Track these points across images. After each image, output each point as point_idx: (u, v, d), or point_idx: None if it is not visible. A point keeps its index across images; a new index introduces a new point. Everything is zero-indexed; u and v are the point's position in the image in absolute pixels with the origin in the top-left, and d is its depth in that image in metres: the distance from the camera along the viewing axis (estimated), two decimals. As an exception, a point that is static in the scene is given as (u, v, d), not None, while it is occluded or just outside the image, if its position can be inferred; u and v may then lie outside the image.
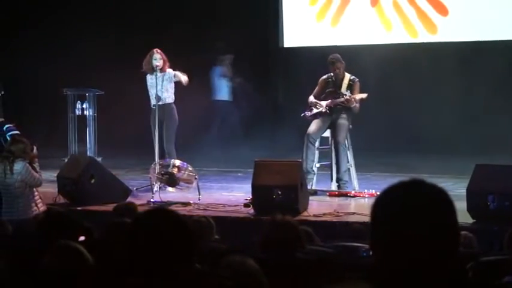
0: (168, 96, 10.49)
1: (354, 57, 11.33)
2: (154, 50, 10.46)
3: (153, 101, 10.40)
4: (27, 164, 8.10)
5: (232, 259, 3.34)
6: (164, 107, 10.40)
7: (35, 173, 8.13)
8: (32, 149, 8.30)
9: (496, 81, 12.43)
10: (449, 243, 1.96)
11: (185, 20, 14.44)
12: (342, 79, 10.01)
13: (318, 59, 11.62)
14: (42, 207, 8.15)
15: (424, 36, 13.45)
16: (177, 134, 10.50)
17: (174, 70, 10.48)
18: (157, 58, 10.38)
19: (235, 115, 14.06)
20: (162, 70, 10.40)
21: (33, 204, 8.12)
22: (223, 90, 14.09)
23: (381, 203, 2.01)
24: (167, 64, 10.46)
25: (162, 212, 2.88)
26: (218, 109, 14.13)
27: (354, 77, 10.03)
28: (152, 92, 10.37)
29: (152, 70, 10.39)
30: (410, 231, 1.93)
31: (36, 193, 8.21)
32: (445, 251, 1.95)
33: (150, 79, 10.49)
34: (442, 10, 13.33)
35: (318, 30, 14.02)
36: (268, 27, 14.53)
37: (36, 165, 8.28)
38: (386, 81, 13.15)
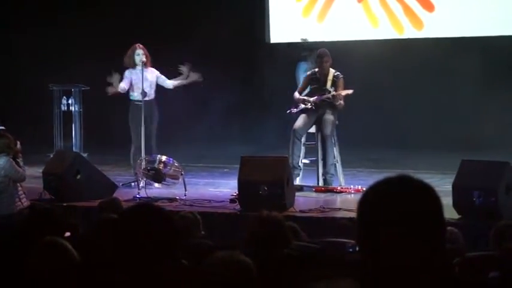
0: (152, 92, 10.49)
1: (341, 53, 11.33)
2: (137, 45, 10.43)
3: (137, 96, 10.35)
4: (11, 159, 8.07)
5: (224, 254, 3.33)
6: (150, 103, 10.39)
7: (18, 168, 8.10)
8: (16, 144, 8.26)
9: (481, 78, 12.47)
10: (435, 239, 1.96)
11: (171, 15, 14.41)
12: (327, 75, 10.01)
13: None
14: (26, 203, 8.12)
15: (410, 32, 13.47)
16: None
17: (156, 67, 10.52)
18: (141, 53, 10.36)
19: None
20: (146, 66, 10.38)
21: (17, 199, 8.09)
22: None
23: (367, 199, 2.00)
24: (149, 60, 10.45)
25: (147, 207, 2.86)
26: None
27: (338, 73, 10.03)
28: (139, 86, 10.31)
29: (134, 65, 10.37)
30: (397, 227, 1.92)
31: (20, 188, 8.19)
32: (432, 247, 1.94)
33: (133, 74, 10.45)
34: (428, 6, 13.35)
35: (304, 26, 14.02)
36: (255, 23, 14.52)
37: (20, 160, 8.25)
38: (372, 77, 13.16)
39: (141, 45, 10.43)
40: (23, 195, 8.20)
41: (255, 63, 14.49)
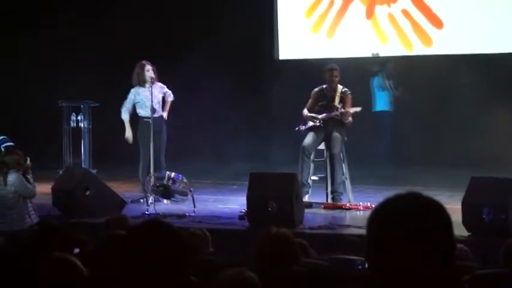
0: (160, 109, 10.52)
1: (350, 69, 11.33)
2: (144, 62, 10.45)
3: (146, 113, 10.38)
4: (21, 175, 8.10)
5: (232, 272, 3.33)
6: (158, 119, 10.40)
7: (28, 184, 8.12)
8: (26, 161, 8.29)
9: (490, 94, 12.44)
10: (445, 257, 1.95)
11: (180, 31, 14.45)
12: (335, 91, 10.00)
13: (313, 71, 11.64)
14: (35, 219, 8.14)
15: (419, 48, 13.47)
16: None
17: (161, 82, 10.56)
18: (150, 69, 10.39)
19: (391, 126, 13.40)
20: (154, 81, 10.40)
21: (27, 216, 8.10)
22: (382, 101, 13.42)
23: (377, 216, 2.00)
24: (157, 75, 10.47)
25: (156, 223, 2.86)
26: (378, 121, 13.43)
27: (346, 89, 10.03)
28: (148, 105, 10.35)
29: (144, 83, 10.40)
30: (406, 244, 1.92)
31: (29, 204, 8.20)
32: (442, 264, 1.93)
33: (142, 92, 10.47)
34: (437, 23, 13.36)
35: (313, 42, 14.04)
36: (264, 39, 14.55)
37: (29, 176, 8.27)
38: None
39: (148, 62, 10.45)
40: (33, 212, 8.22)
41: (264, 79, 14.50)
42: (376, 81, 13.48)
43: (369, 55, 13.56)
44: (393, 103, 13.42)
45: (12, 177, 8.04)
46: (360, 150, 11.66)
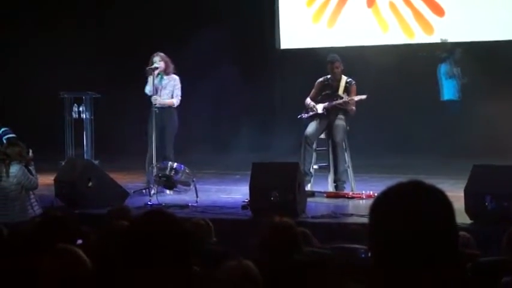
0: (165, 100, 10.44)
1: (351, 58, 11.32)
2: (155, 54, 10.40)
3: (153, 103, 10.36)
4: (23, 167, 8.11)
5: (232, 263, 3.33)
6: (164, 111, 10.32)
7: (30, 176, 8.13)
8: (28, 152, 8.30)
9: (492, 82, 12.44)
10: (447, 245, 1.95)
11: (181, 21, 14.44)
12: (339, 81, 10.00)
13: (315, 60, 11.63)
14: (38, 210, 8.15)
15: (420, 36, 13.46)
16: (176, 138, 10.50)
17: (176, 75, 10.48)
18: (157, 61, 10.30)
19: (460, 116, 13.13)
20: (166, 73, 10.32)
21: (29, 207, 8.12)
22: (450, 90, 13.24)
23: (380, 204, 1.99)
24: (171, 66, 10.37)
25: (158, 213, 2.86)
26: (446, 111, 13.32)
27: (350, 79, 10.02)
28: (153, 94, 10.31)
29: (151, 73, 10.36)
30: (409, 232, 1.92)
31: (32, 196, 8.22)
32: (444, 252, 1.93)
33: (150, 81, 10.45)
34: (438, 11, 13.34)
35: (314, 31, 14.02)
36: (265, 29, 14.53)
37: (32, 168, 8.28)
38: (383, 82, 13.15)
39: (160, 53, 10.36)
40: (35, 203, 8.23)
41: (265, 69, 14.49)
42: (443, 69, 13.26)
43: (371, 43, 13.53)
44: (461, 91, 13.22)
45: (14, 169, 8.06)
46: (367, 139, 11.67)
